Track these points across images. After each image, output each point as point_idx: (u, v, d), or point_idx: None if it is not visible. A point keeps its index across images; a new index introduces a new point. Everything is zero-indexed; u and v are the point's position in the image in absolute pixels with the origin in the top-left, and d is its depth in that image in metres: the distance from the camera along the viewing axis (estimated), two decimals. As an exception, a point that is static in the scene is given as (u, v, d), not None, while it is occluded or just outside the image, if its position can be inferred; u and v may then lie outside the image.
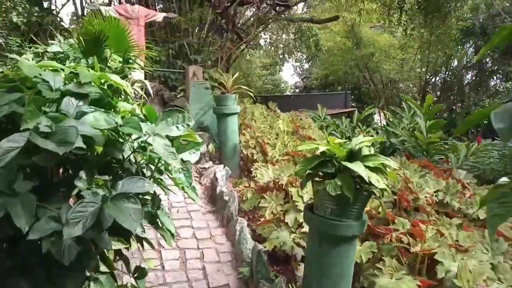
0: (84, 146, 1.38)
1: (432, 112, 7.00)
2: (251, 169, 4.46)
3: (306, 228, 3.08)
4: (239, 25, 8.80)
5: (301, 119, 7.45)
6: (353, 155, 2.29)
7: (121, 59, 4.96)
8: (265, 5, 8.01)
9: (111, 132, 1.57)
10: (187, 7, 10.06)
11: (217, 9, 7.93)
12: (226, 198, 3.81)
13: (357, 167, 2.14)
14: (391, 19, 17.16)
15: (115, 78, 1.83)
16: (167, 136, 1.56)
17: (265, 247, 3.05)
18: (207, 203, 4.15)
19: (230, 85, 5.55)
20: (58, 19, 11.01)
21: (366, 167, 2.18)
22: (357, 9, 20.34)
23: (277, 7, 8.17)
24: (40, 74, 1.59)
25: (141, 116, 1.72)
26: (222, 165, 4.92)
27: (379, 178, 2.17)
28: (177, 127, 1.62)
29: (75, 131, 1.25)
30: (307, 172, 2.33)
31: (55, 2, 13.18)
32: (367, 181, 2.11)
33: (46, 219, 1.29)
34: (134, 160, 1.70)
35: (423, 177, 4.01)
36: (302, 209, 3.37)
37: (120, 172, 1.59)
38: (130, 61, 5.05)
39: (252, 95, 6.59)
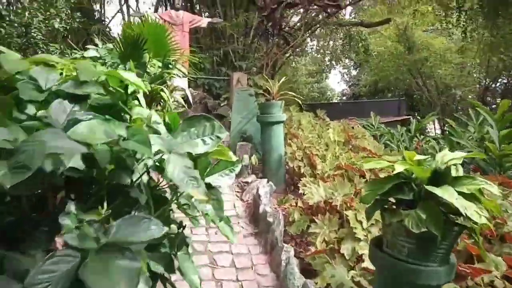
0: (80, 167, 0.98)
1: (506, 120, 6.10)
2: (298, 184, 3.95)
3: (367, 263, 2.52)
4: (286, 29, 8.36)
5: (352, 127, 6.82)
6: (439, 177, 1.71)
7: (160, 64, 4.68)
8: (314, 6, 7.52)
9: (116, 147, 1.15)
10: (233, 12, 9.80)
11: (263, 12, 7.53)
12: (270, 219, 3.32)
13: (448, 194, 1.57)
14: (448, 20, 15.94)
15: (130, 76, 1.42)
16: (189, 154, 1.11)
17: (316, 283, 2.52)
18: (249, 224, 3.68)
19: (275, 91, 5.09)
20: (107, 28, 11.23)
21: (459, 193, 1.60)
22: (410, 11, 19.28)
23: (328, 9, 7.64)
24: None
25: (159, 125, 1.29)
26: (266, 180, 4.44)
27: (479, 210, 1.59)
28: (203, 140, 1.16)
29: (42, 149, 0.82)
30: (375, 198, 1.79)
31: (104, 12, 13.55)
32: (462, 214, 1.54)
33: (7, 278, 0.88)
34: (146, 185, 1.27)
35: (506, 198, 3.29)
36: (361, 237, 2.81)
37: (123, 203, 1.16)
38: (170, 66, 4.75)
39: (299, 102, 6.08)
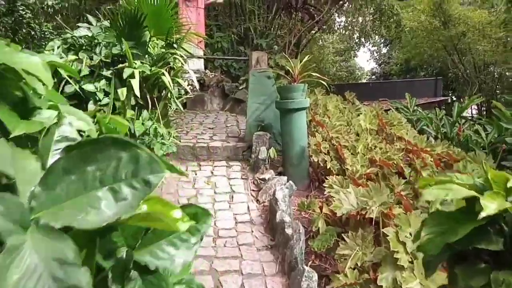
0: None
1: None
2: (324, 184, 3.31)
3: (415, 304, 1.89)
4: (312, 2, 7.54)
5: (386, 111, 6.07)
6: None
7: (163, 43, 4.09)
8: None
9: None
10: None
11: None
12: (288, 231, 2.73)
13: None
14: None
15: (28, 63, 0.82)
16: (76, 231, 0.51)
17: (345, 327, 1.93)
18: (264, 233, 3.09)
19: (297, 72, 4.40)
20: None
21: None
22: (447, -19, 17.77)
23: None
24: None
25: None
26: (285, 178, 3.83)
27: None
28: (114, 191, 0.56)
29: None
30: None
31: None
32: None
33: None
34: None
35: None
36: (405, 265, 2.17)
37: None
38: (175, 45, 4.16)
39: (325, 84, 5.36)
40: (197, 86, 7.27)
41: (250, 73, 4.89)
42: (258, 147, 4.33)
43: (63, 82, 3.21)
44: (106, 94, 3.33)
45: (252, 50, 8.16)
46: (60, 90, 3.20)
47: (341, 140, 4.22)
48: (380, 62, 35.25)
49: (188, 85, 7.31)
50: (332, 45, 28.86)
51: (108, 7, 3.83)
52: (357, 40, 26.27)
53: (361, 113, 5.39)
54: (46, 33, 4.11)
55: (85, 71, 3.33)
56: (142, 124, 3.38)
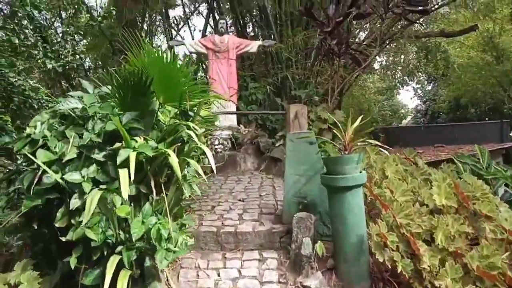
0: None
1: None
2: (391, 284, 2.23)
3: None
4: (353, 46, 6.68)
5: (446, 162, 4.99)
6: None
7: (176, 111, 3.29)
8: (391, 13, 5.79)
9: None
10: (289, 31, 8.37)
11: (325, 27, 5.97)
12: None
13: None
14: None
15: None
16: None
17: None
18: None
19: (348, 138, 3.43)
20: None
21: None
22: (498, 15, 16.57)
23: (410, 14, 5.85)
24: None
25: None
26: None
27: None
28: None
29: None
30: None
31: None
32: None
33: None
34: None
35: None
36: None
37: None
38: (190, 113, 3.35)
39: (384, 146, 4.32)
40: (229, 145, 6.47)
41: (288, 138, 3.98)
42: (299, 236, 3.32)
43: (40, 172, 2.45)
44: (96, 183, 2.52)
45: (290, 102, 7.35)
46: (35, 182, 2.42)
47: (413, 226, 3.13)
48: (425, 99, 33.55)
49: (218, 144, 6.56)
50: (373, 84, 27.80)
51: (113, 68, 3.11)
52: (399, 79, 25.09)
53: (428, 178, 4.30)
54: (42, 101, 3.48)
55: (72, 153, 2.55)
56: (143, 222, 2.50)
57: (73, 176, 2.45)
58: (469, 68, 19.19)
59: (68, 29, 4.17)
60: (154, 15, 12.65)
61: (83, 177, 2.47)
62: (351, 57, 6.34)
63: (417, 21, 6.16)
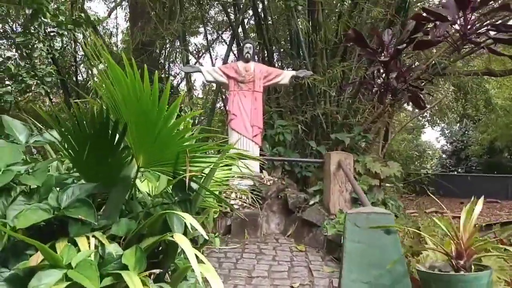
0: None
1: None
2: None
3: None
4: (411, 80, 5.28)
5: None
6: None
7: (164, 184, 1.85)
8: (469, 42, 4.44)
9: None
10: (324, 61, 7.09)
11: (377, 57, 4.64)
12: None
13: None
14: None
15: None
16: None
17: None
18: None
19: (466, 242, 1.98)
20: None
21: None
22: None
23: (495, 44, 4.48)
24: None
25: None
26: None
27: None
28: None
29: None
30: None
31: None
32: None
33: None
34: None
35: None
36: None
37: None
38: (194, 185, 1.91)
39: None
40: (249, 200, 5.05)
41: (348, 219, 2.52)
42: None
43: None
44: None
45: (329, 149, 5.95)
46: None
47: None
48: (452, 140, 31.70)
49: (235, 199, 5.16)
50: (399, 123, 26.16)
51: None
52: (429, 118, 23.49)
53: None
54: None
55: None
56: None
57: None
58: (507, 109, 17.62)
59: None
60: (173, 40, 11.68)
61: None
62: (411, 95, 4.94)
63: (499, 54, 4.80)
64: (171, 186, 1.85)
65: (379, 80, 5.21)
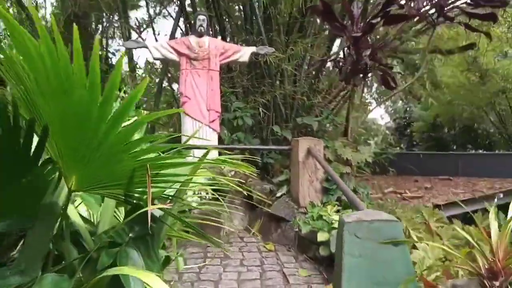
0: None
1: None
2: None
3: None
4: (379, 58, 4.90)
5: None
6: None
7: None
8: (443, 18, 4.09)
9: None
10: (282, 38, 6.53)
11: (352, 31, 4.18)
12: None
13: None
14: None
15: None
16: None
17: None
18: None
19: (503, 258, 1.56)
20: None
21: None
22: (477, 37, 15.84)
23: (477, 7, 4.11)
24: None
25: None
26: None
27: None
28: None
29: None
30: None
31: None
32: None
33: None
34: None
35: None
36: None
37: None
38: (158, 214, 1.29)
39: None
40: (209, 196, 4.45)
41: (345, 229, 2.03)
42: None
43: None
44: None
45: (295, 134, 5.48)
46: None
47: None
48: (395, 117, 33.05)
49: (193, 195, 4.53)
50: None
51: None
52: (376, 96, 24.05)
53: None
54: None
55: None
56: None
57: None
58: (453, 88, 18.39)
59: None
60: (111, 14, 10.43)
61: None
62: (382, 73, 4.57)
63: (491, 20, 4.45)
64: (122, 215, 1.23)
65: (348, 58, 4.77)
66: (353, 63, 4.36)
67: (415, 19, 4.59)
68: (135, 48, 5.26)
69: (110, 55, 11.33)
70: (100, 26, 11.33)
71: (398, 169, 10.54)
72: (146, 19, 10.92)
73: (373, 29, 4.19)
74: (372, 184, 10.08)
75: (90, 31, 10.49)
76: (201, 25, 4.98)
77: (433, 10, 4.10)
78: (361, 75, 4.61)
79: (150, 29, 10.79)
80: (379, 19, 4.02)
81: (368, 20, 4.23)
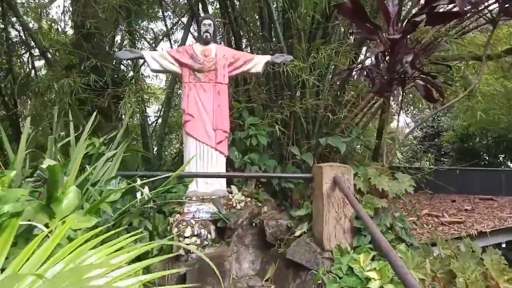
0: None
1: None
2: None
3: None
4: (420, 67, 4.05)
5: None
6: None
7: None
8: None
9: None
10: (305, 44, 5.75)
11: (381, 34, 3.37)
12: None
13: None
14: None
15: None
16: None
17: None
18: None
19: None
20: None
21: None
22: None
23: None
24: None
25: None
26: None
27: None
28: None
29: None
30: None
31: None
32: None
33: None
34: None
35: None
36: None
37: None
38: None
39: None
40: (211, 236, 3.70)
41: None
42: None
43: None
44: None
45: (319, 158, 4.67)
46: None
47: None
48: (422, 126, 31.61)
49: (191, 235, 3.77)
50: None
51: None
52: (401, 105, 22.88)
53: None
54: None
55: None
56: None
57: None
58: (489, 96, 17.15)
59: None
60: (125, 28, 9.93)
61: None
62: (424, 84, 3.72)
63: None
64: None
65: (380, 66, 3.95)
66: (389, 72, 3.53)
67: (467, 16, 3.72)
68: (130, 59, 4.62)
69: (123, 67, 10.85)
70: (117, 39, 10.89)
71: (430, 185, 9.52)
72: (164, 30, 10.40)
73: (415, 29, 3.36)
74: (404, 204, 9.09)
75: (104, 46, 10.02)
76: (206, 31, 4.26)
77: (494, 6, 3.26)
78: (398, 87, 3.78)
79: (167, 41, 10.22)
80: (423, 16, 3.19)
81: (407, 19, 3.41)
